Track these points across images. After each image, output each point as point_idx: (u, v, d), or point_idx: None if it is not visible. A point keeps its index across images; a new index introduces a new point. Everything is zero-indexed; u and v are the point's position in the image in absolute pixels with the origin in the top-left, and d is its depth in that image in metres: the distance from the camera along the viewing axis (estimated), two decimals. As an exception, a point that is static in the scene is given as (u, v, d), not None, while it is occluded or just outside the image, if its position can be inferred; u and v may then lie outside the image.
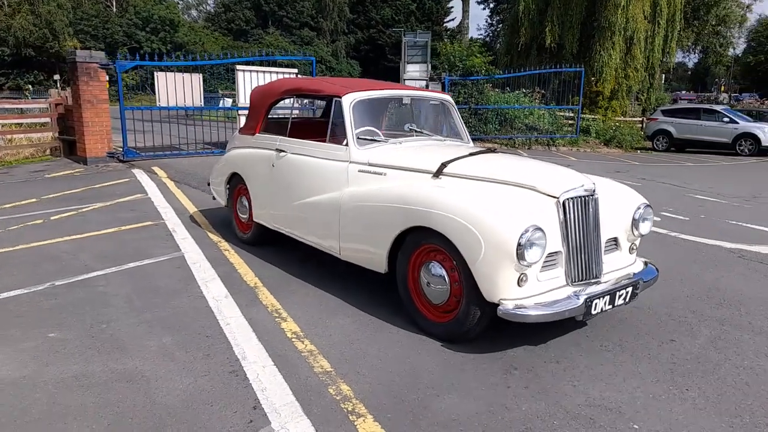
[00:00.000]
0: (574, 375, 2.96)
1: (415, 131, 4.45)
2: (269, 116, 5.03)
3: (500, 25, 46.09)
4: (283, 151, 4.57)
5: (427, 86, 17.36)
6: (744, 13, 30.32)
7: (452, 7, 56.73)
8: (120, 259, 4.82)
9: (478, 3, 45.93)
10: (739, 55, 38.37)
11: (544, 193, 3.19)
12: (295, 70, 12.76)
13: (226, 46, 48.07)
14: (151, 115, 11.43)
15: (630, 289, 3.28)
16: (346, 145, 4.07)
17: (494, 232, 2.91)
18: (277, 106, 5.15)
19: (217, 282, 4.30)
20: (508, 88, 17.85)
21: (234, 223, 5.50)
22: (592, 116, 20.42)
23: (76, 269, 4.55)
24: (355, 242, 3.83)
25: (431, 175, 3.59)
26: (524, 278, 2.98)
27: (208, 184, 6.08)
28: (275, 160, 4.63)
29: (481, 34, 60.55)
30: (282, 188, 4.55)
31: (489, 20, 48.73)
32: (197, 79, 11.55)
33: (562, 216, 3.14)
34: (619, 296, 3.22)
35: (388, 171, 3.79)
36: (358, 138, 4.05)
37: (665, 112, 20.45)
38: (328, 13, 56.26)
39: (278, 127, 4.89)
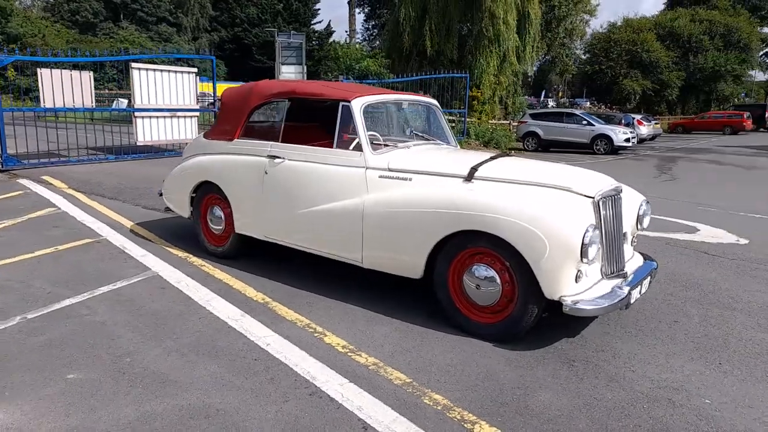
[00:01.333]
0: (625, 362, 3.22)
1: (417, 135, 4.48)
2: (250, 121, 4.74)
3: (376, 30, 47.15)
4: (279, 157, 4.35)
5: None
6: (583, 27, 34.24)
7: (319, 9, 56.82)
8: (86, 283, 4.25)
9: (356, 7, 46.58)
10: (579, 65, 43.21)
11: (580, 194, 3.42)
12: (195, 70, 12.02)
13: (72, 40, 43.51)
14: (35, 118, 10.08)
15: (649, 278, 3.64)
16: (360, 150, 3.99)
17: (559, 233, 3.07)
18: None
19: (220, 301, 3.98)
20: (397, 91, 18.37)
21: (202, 236, 5.10)
22: (470, 119, 21.80)
23: (40, 299, 3.94)
24: (383, 249, 3.77)
25: (462, 179, 3.65)
26: (580, 275, 3.18)
27: (160, 194, 5.56)
28: (268, 168, 4.39)
29: (357, 39, 61.46)
30: (280, 197, 4.32)
31: (365, 24, 49.61)
32: (87, 77, 10.40)
33: (597, 215, 3.39)
34: (643, 286, 3.56)
35: (414, 176, 3.79)
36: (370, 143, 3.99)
37: (533, 116, 22.39)
38: (188, 8, 53.45)
39: (265, 132, 4.63)
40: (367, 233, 3.81)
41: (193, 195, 5.07)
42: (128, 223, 6.16)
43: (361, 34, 46.33)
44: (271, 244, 4.52)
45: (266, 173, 4.40)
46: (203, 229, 5.10)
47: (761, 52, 49.26)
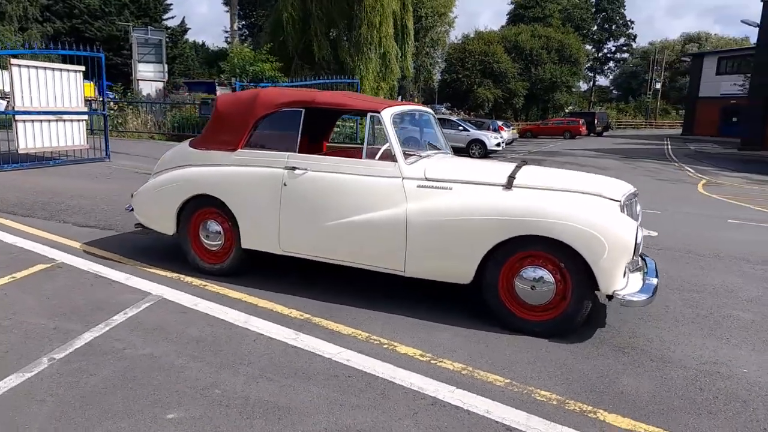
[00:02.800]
0: (661, 345, 3.68)
1: (430, 145, 4.64)
2: (256, 131, 4.51)
3: (247, 30, 45.46)
4: (300, 168, 4.23)
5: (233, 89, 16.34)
6: (446, 38, 36.57)
7: (171, 4, 53.54)
8: (90, 314, 3.78)
9: (223, 4, 44.42)
10: (440, 73, 46.06)
11: (609, 198, 3.83)
12: (83, 68, 10.83)
13: None
14: None
15: (656, 268, 4.19)
16: (394, 160, 4.06)
17: (616, 234, 3.44)
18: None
19: (259, 321, 3.79)
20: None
21: (192, 254, 4.74)
22: (351, 124, 22.21)
23: (51, 336, 3.44)
24: (431, 258, 3.88)
25: (502, 187, 3.90)
26: (626, 271, 3.59)
27: (130, 210, 5.06)
28: (288, 179, 4.25)
29: (227, 39, 58.57)
30: (304, 209, 4.21)
31: (238, 24, 47.51)
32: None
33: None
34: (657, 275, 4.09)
35: (454, 185, 3.95)
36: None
37: (413, 121, 23.41)
38: (14, -6, 47.24)
39: (276, 142, 4.45)
40: (411, 242, 3.89)
41: (181, 210, 4.70)
42: (75, 244, 5.49)
43: (231, 35, 44.47)
44: (270, 257, 4.40)
45: (285, 185, 4.26)
46: (193, 246, 4.75)
47: (585, 66, 56.24)
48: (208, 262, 4.71)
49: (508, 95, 45.76)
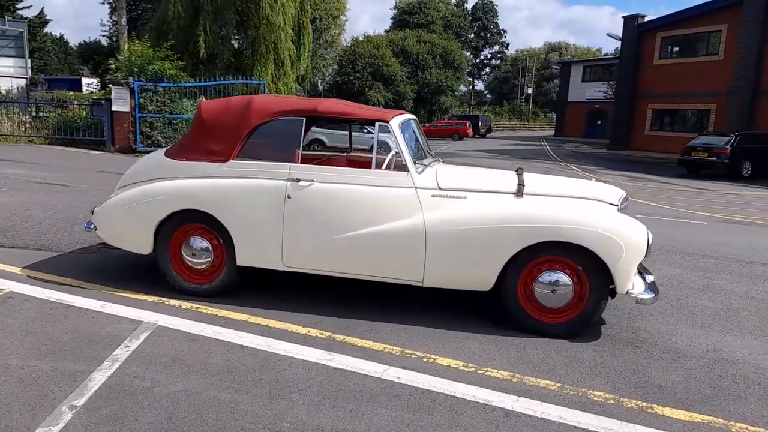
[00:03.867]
0: (664, 337, 3.99)
1: (428, 153, 4.63)
2: (250, 140, 4.21)
3: (130, 25, 41.84)
4: (305, 180, 4.03)
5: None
6: (340, 40, 36.66)
7: (27, -9, 48.19)
8: (84, 350, 3.33)
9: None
10: (332, 76, 46.10)
11: (608, 203, 4.10)
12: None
13: None
14: None
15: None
16: (404, 170, 4.01)
17: (633, 238, 3.68)
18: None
19: (280, 342, 3.56)
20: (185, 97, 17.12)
21: (173, 274, 4.34)
22: None
23: (54, 381, 2.97)
24: (452, 267, 3.88)
25: (513, 194, 4.01)
26: (635, 271, 3.85)
27: (91, 229, 4.50)
28: (292, 191, 4.03)
29: (104, 33, 53.61)
30: (311, 223, 4.01)
31: (112, 18, 43.53)
32: None
33: (622, 220, 4.11)
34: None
35: (468, 194, 3.99)
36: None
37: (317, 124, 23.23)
38: None
39: (273, 152, 4.19)
40: (431, 252, 3.86)
41: (160, 227, 4.28)
42: (12, 268, 4.78)
43: (108, 29, 40.88)
44: (253, 272, 4.24)
45: (289, 197, 4.03)
46: (174, 265, 4.34)
47: (466, 72, 59.14)
48: (194, 282, 4.34)
49: (398, 98, 46.83)
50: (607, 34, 27.91)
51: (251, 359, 3.33)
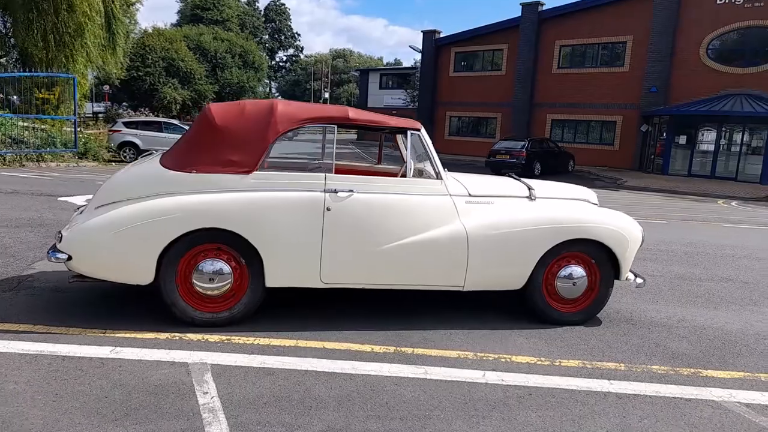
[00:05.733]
0: (647, 312, 4.71)
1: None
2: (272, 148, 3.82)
3: None
4: (343, 190, 3.84)
5: None
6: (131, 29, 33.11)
7: None
8: (167, 411, 2.77)
9: None
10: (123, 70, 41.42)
11: (592, 203, 4.71)
12: None
13: None
14: None
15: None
16: (439, 178, 4.10)
17: (633, 232, 4.31)
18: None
19: (362, 364, 3.39)
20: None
21: (183, 304, 3.76)
22: (43, 126, 18.60)
23: (170, 444, 2.44)
24: (490, 269, 4.07)
25: (527, 198, 4.38)
26: (629, 260, 4.51)
27: (64, 260, 3.65)
28: (331, 203, 3.81)
29: None
30: (354, 235, 3.84)
31: None
32: None
33: (602, 217, 4.77)
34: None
35: (495, 200, 4.24)
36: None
37: (127, 124, 20.91)
38: None
39: (300, 161, 3.88)
40: (473, 257, 4.02)
41: (165, 251, 3.67)
42: None
43: None
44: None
45: (328, 210, 3.81)
46: (182, 293, 3.76)
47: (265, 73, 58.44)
48: (208, 311, 3.81)
49: (198, 97, 44.32)
50: (410, 46, 30.18)
51: (353, 385, 3.12)
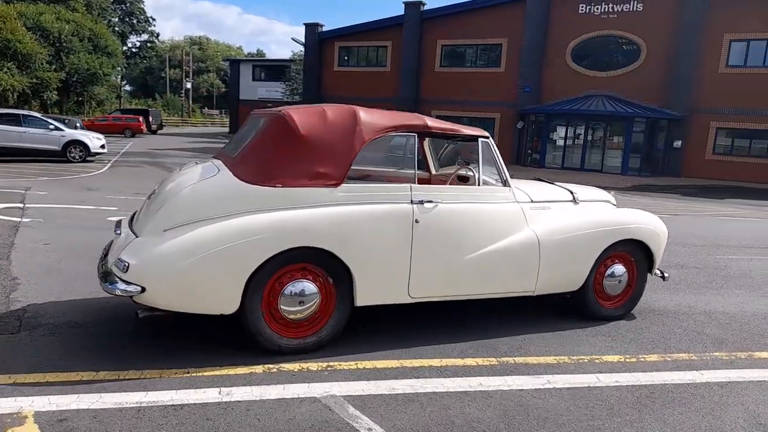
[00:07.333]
0: (656, 301, 5.16)
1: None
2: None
3: None
4: (429, 201, 3.70)
5: None
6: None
7: None
8: (345, 451, 2.49)
9: None
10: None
11: (613, 204, 5.05)
12: None
13: None
14: None
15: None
16: (507, 186, 4.13)
17: (664, 230, 4.69)
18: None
19: (481, 379, 3.32)
20: None
21: (269, 332, 3.39)
22: None
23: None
24: (557, 272, 4.18)
25: (572, 202, 4.56)
26: (655, 255, 4.89)
27: (138, 292, 3.08)
28: (419, 215, 3.65)
29: None
30: (441, 246, 3.72)
31: None
32: None
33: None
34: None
35: (551, 204, 4.36)
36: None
37: (-30, 118, 17.98)
38: None
39: (379, 171, 3.66)
40: (544, 261, 4.10)
41: (253, 276, 3.27)
42: (25, 378, 2.89)
43: None
44: None
45: (417, 222, 3.64)
46: (268, 321, 3.39)
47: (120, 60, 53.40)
48: (296, 337, 3.47)
49: (40, 85, 39.24)
50: (292, 38, 29.43)
51: (497, 401, 3.04)
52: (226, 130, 48.57)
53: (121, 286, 3.09)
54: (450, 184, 4.37)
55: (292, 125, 3.46)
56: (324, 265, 3.47)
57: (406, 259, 3.64)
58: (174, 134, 41.42)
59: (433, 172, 5.02)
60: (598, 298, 4.50)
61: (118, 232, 3.60)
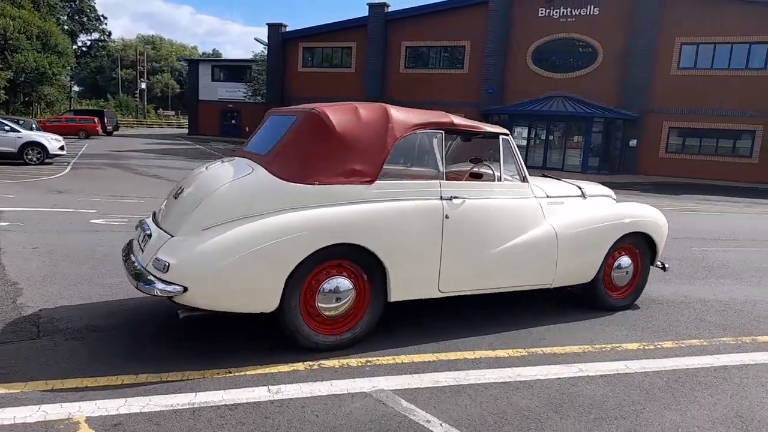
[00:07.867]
0: (652, 290, 5.37)
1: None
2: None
3: None
4: (457, 197, 3.75)
5: None
6: None
7: None
8: (413, 442, 2.51)
9: None
10: None
11: (613, 198, 5.23)
12: None
13: None
14: None
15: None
16: (525, 181, 4.23)
17: (665, 222, 4.89)
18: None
19: (522, 369, 3.39)
20: None
21: (306, 330, 3.37)
22: None
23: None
24: (572, 264, 4.30)
25: (581, 197, 4.71)
26: (655, 247, 5.09)
27: (180, 291, 3.02)
28: (449, 210, 3.70)
29: None
30: (470, 241, 3.78)
31: None
32: None
33: (618, 211, 5.31)
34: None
35: (565, 200, 4.49)
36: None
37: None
38: None
39: (408, 168, 3.69)
40: (561, 254, 4.22)
41: (294, 272, 3.25)
42: (58, 383, 2.76)
43: None
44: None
45: (447, 217, 3.69)
46: (305, 318, 3.37)
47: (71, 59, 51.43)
48: (333, 334, 3.47)
49: (-15, 84, 37.42)
50: (255, 39, 29.02)
51: (541, 390, 3.12)
52: (185, 131, 47.43)
53: (160, 285, 3.02)
54: (465, 181, 4.44)
55: (328, 123, 3.45)
56: (360, 261, 3.48)
57: (436, 254, 3.69)
58: (131, 135, 40.18)
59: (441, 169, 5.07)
60: (607, 289, 4.66)
61: (149, 231, 3.50)
